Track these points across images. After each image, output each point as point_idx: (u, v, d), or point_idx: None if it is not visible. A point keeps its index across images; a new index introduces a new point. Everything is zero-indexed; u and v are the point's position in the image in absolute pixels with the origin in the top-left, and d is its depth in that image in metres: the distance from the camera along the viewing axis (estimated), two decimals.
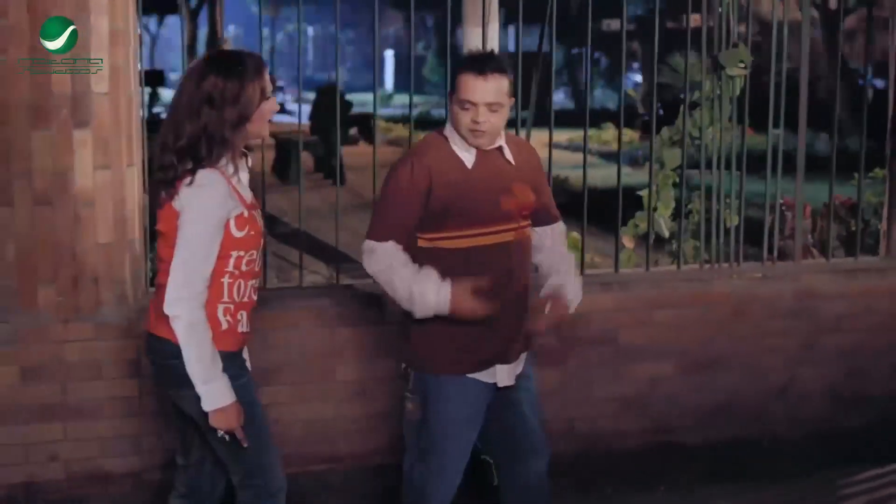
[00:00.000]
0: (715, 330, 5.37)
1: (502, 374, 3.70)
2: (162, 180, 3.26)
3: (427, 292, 3.50)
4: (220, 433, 3.31)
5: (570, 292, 3.74)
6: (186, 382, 3.27)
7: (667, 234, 5.79)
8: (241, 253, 3.31)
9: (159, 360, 3.38)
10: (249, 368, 3.56)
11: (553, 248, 3.85)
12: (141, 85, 4.70)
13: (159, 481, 4.56)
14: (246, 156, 3.38)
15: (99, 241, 4.48)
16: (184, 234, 3.22)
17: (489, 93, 3.49)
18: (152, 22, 35.01)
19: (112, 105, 4.45)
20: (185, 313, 3.20)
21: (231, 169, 3.28)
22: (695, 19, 5.47)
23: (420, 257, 3.59)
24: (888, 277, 5.70)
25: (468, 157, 3.60)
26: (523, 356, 3.79)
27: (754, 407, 5.47)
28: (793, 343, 5.49)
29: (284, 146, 15.58)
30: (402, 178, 3.57)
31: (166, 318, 3.25)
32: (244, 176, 3.35)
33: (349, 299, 4.98)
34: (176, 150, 3.22)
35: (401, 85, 44.52)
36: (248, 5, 43.14)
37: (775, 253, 5.69)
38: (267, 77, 3.30)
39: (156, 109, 23.19)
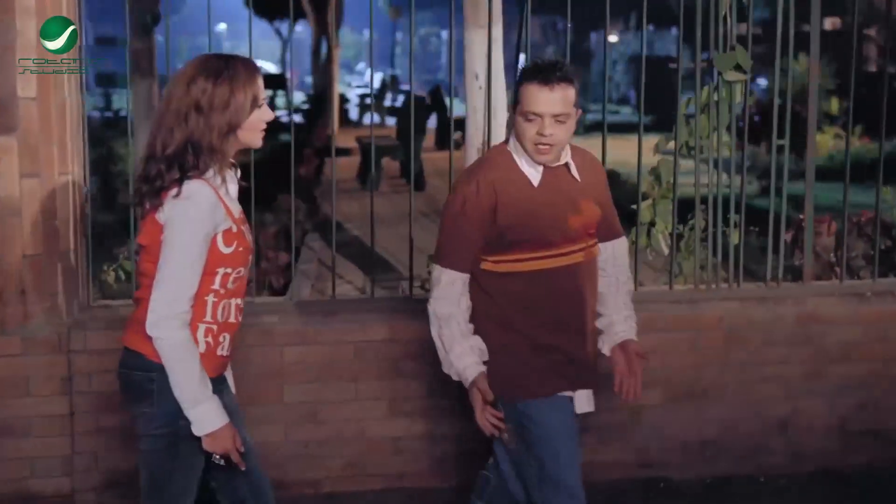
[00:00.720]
0: (706, 356, 4.96)
1: (581, 400, 3.58)
2: (148, 191, 3.05)
3: (457, 366, 3.47)
4: (216, 457, 3.11)
5: (630, 333, 3.65)
6: (146, 397, 3.08)
7: (665, 251, 5.37)
8: (228, 270, 3.11)
9: (125, 372, 3.16)
10: (234, 391, 3.40)
11: (616, 275, 3.69)
12: (82, 91, 4.51)
13: None
14: (235, 167, 3.19)
15: (26, 252, 4.30)
16: (168, 249, 3.01)
17: (555, 103, 3.32)
18: (284, 26, 35.68)
19: (42, 111, 4.28)
20: (169, 334, 2.99)
21: (219, 180, 3.08)
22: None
23: (483, 281, 3.47)
24: None
25: (534, 175, 3.44)
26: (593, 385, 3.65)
27: (750, 441, 5.04)
28: (794, 372, 5.04)
29: (369, 151, 15.39)
30: (468, 197, 3.41)
31: (141, 331, 3.05)
32: (233, 188, 3.15)
33: (301, 316, 4.72)
34: (163, 158, 3.02)
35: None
36: (380, 9, 43.40)
37: (780, 273, 5.25)
38: (260, 83, 3.10)
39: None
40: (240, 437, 3.13)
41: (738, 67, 5.02)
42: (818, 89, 5.28)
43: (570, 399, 3.56)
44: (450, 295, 3.46)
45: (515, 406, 3.49)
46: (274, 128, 3.27)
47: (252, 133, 3.12)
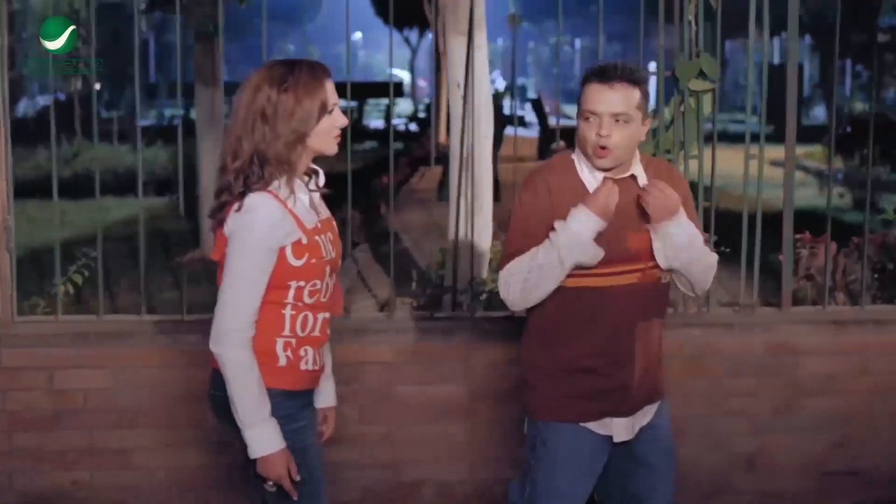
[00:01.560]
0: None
1: (619, 428, 3.36)
2: (216, 205, 2.98)
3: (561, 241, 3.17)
4: (269, 483, 2.98)
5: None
6: (233, 420, 2.99)
7: None
8: (301, 283, 2.98)
9: (211, 394, 3.10)
10: (333, 402, 3.32)
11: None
12: (3, 94, 4.41)
13: None
14: (317, 174, 3.10)
15: None
16: (230, 264, 2.93)
17: (614, 102, 3.17)
18: (413, 34, 35.94)
19: None
20: (227, 351, 2.91)
21: (286, 192, 2.95)
22: None
23: None
24: (890, 331, 4.77)
25: (592, 183, 3.26)
26: (650, 408, 3.42)
27: (713, 479, 4.67)
28: (763, 406, 4.66)
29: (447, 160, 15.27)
30: (526, 203, 3.30)
31: None
32: (304, 197, 3.02)
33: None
34: (232, 170, 2.94)
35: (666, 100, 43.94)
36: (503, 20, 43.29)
37: (755, 297, 4.87)
38: (329, 88, 2.98)
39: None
40: (296, 467, 2.97)
41: (703, 75, 4.68)
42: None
43: (601, 436, 3.34)
44: (514, 272, 3.25)
45: (537, 423, 3.36)
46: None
47: (324, 140, 3.00)
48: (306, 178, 3.07)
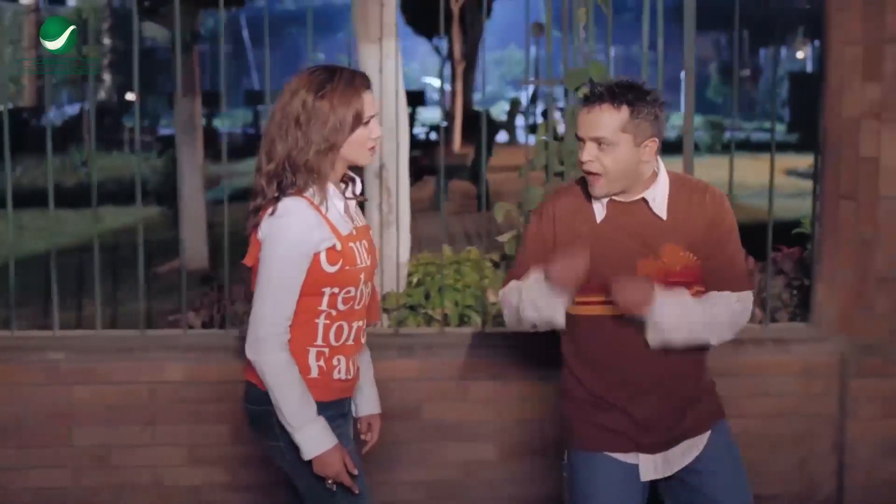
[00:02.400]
0: (546, 407, 4.44)
1: (647, 466, 3.19)
2: (254, 208, 2.95)
3: (532, 304, 3.10)
4: (329, 482, 2.94)
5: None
6: (268, 430, 2.97)
7: None
8: (335, 290, 2.93)
9: (245, 406, 3.05)
10: (377, 410, 3.29)
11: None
12: None
13: None
14: (353, 181, 3.06)
15: None
16: (263, 268, 2.90)
17: (593, 126, 3.03)
18: (443, 42, 35.82)
19: None
20: (265, 357, 2.87)
21: (319, 198, 2.91)
22: None
23: None
24: (791, 350, 4.55)
25: (599, 209, 3.13)
26: (689, 446, 3.22)
27: None
28: None
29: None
30: (532, 226, 3.25)
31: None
32: (339, 204, 2.97)
33: (91, 354, 4.43)
34: (265, 173, 2.92)
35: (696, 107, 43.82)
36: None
37: None
38: (366, 99, 2.94)
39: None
40: (352, 461, 2.95)
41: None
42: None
43: (632, 466, 3.18)
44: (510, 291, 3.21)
45: (567, 451, 3.27)
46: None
47: (357, 150, 2.95)
48: (342, 186, 3.02)
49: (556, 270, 2.99)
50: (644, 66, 4.50)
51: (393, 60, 5.69)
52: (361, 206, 3.16)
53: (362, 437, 3.26)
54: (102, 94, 27.08)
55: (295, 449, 2.91)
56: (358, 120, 2.90)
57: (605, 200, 3.10)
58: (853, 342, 4.51)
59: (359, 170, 3.14)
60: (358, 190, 3.06)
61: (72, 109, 26.23)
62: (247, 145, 23.43)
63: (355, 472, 2.94)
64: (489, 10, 24.27)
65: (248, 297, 3.02)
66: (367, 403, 3.26)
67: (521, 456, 4.47)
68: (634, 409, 3.13)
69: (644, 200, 3.09)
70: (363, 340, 3.09)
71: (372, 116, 2.94)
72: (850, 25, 4.41)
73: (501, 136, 26.71)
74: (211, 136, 17.42)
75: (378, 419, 3.29)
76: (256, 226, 2.92)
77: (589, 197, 3.12)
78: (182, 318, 4.73)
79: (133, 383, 4.35)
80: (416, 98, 28.31)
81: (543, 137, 4.66)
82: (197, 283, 8.14)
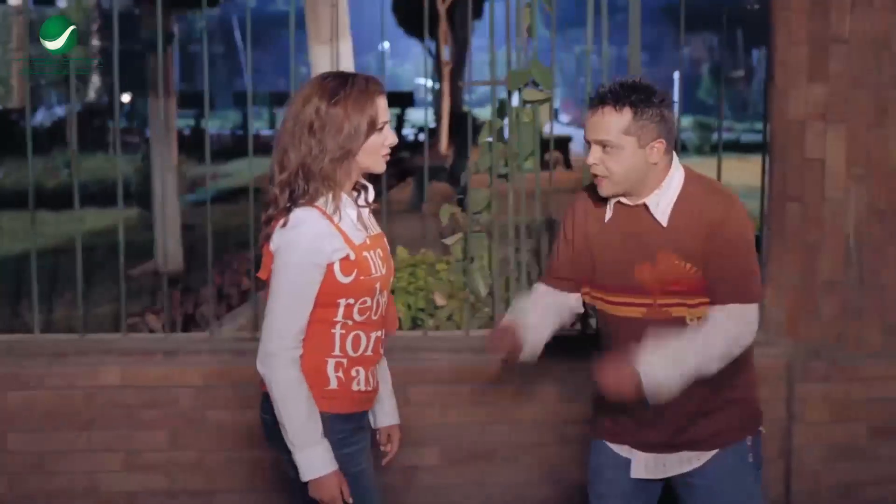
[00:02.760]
0: (492, 412, 4.39)
1: (638, 463, 3.18)
2: (267, 218, 2.89)
3: None
4: None
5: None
6: (282, 444, 2.90)
7: (483, 291, 4.78)
8: (351, 301, 2.88)
9: (261, 416, 3.00)
10: (397, 420, 3.24)
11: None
12: None
13: None
14: (366, 189, 3.01)
15: None
16: (275, 281, 2.84)
17: (597, 129, 3.00)
18: (433, 44, 35.83)
19: None
20: (274, 373, 2.82)
21: (332, 207, 2.86)
22: None
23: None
24: None
25: (608, 210, 3.13)
26: (691, 457, 3.14)
27: None
28: None
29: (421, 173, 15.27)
30: (562, 223, 3.27)
31: None
32: (352, 212, 2.92)
33: (24, 359, 4.37)
34: (278, 183, 2.86)
35: (687, 108, 43.61)
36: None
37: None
38: (380, 105, 2.89)
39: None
40: (349, 488, 2.87)
41: (537, 85, 4.46)
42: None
43: (620, 454, 3.21)
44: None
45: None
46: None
47: (372, 157, 2.90)
48: (355, 194, 2.97)
49: (488, 342, 3.13)
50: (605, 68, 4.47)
51: (349, 61, 5.67)
52: (375, 214, 3.11)
53: (382, 448, 3.22)
54: (92, 96, 27.04)
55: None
56: (372, 126, 2.86)
57: (613, 202, 3.09)
58: (800, 346, 4.47)
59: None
60: (371, 197, 3.02)
61: (61, 111, 26.23)
62: (235, 147, 23.46)
63: (350, 501, 2.87)
64: (477, 10, 24.23)
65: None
66: (386, 414, 3.21)
67: (466, 461, 4.41)
68: (635, 408, 3.06)
69: (645, 206, 3.04)
70: (382, 351, 3.05)
71: (385, 122, 2.90)
72: (795, 25, 4.37)
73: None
74: (199, 138, 17.40)
75: (398, 430, 3.24)
76: (268, 237, 2.86)
77: (601, 197, 3.11)
78: (139, 322, 4.69)
79: (68, 388, 4.30)
80: (404, 99, 28.31)
81: (488, 139, 4.62)
82: (167, 284, 8.08)
